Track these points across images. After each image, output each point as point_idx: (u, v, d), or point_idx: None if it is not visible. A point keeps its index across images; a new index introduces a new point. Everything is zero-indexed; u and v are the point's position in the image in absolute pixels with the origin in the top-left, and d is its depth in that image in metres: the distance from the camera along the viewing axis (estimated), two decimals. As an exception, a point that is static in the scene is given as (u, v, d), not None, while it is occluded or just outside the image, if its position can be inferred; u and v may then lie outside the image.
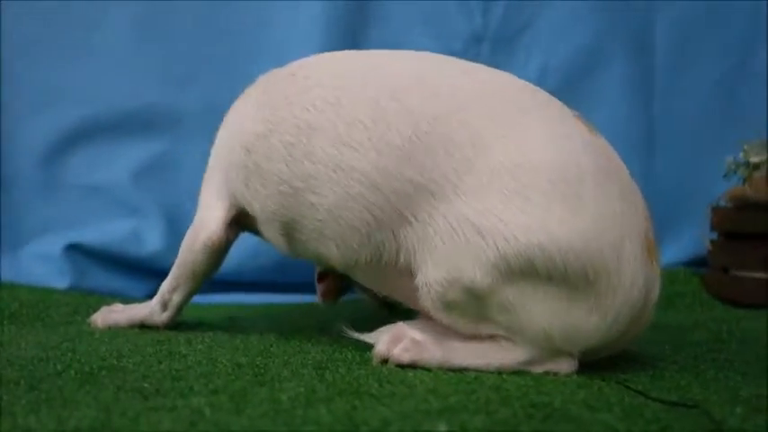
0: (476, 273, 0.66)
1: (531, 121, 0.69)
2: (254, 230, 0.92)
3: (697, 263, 1.60)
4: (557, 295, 0.66)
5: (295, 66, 0.86)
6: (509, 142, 0.67)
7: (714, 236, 1.49)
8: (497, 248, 0.65)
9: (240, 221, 0.91)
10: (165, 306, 0.94)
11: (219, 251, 0.92)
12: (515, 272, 0.65)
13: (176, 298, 0.93)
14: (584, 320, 0.66)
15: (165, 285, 0.94)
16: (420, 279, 0.71)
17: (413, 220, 0.71)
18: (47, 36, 1.37)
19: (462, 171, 0.68)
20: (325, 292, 1.04)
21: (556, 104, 0.74)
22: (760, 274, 1.35)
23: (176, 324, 0.99)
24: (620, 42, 1.63)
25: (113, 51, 1.39)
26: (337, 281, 1.03)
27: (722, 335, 1.02)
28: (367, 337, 0.80)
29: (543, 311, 0.66)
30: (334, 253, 0.79)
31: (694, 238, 1.60)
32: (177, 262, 0.93)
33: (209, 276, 0.95)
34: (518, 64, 1.57)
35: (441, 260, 0.69)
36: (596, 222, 0.65)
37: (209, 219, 0.91)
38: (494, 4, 1.57)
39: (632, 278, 0.66)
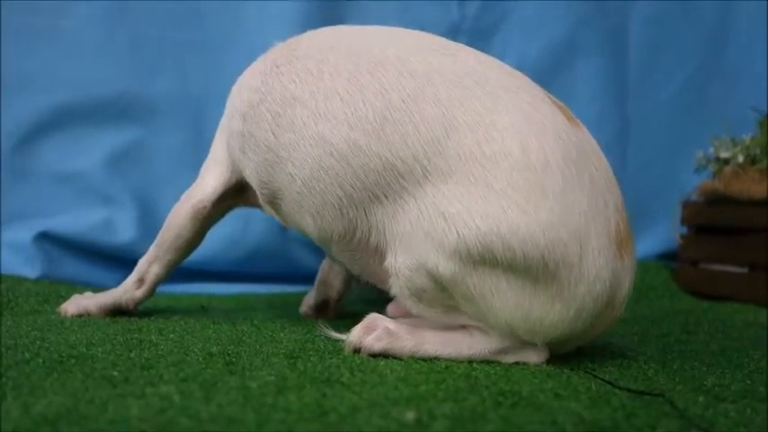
0: (439, 259, 0.67)
1: (505, 107, 0.69)
2: (256, 203, 0.93)
3: (668, 256, 1.63)
4: (519, 286, 0.66)
5: (294, 38, 0.87)
6: (479, 128, 0.67)
7: (685, 230, 1.51)
8: (458, 234, 0.65)
9: (242, 194, 0.93)
10: (141, 281, 0.95)
11: (205, 220, 0.93)
12: (476, 260, 0.65)
13: (154, 270, 0.95)
14: (547, 312, 0.67)
15: (143, 259, 0.95)
16: (389, 262, 0.72)
17: (383, 198, 0.71)
18: (18, 22, 1.34)
19: (431, 152, 0.68)
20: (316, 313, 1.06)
21: (535, 92, 0.72)
22: (728, 268, 1.38)
23: (148, 313, 0.99)
24: (595, 38, 1.64)
25: (85, 38, 1.36)
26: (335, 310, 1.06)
27: (689, 326, 1.04)
28: (341, 336, 0.80)
29: (506, 302, 0.67)
30: (311, 226, 0.80)
31: (666, 231, 1.62)
32: (161, 231, 0.95)
33: (190, 250, 0.96)
34: (494, 57, 1.57)
35: (408, 244, 0.69)
36: (559, 214, 0.64)
37: (203, 185, 0.93)
38: (470, -3, 1.58)
39: (596, 271, 0.66)
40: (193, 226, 0.93)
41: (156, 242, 0.95)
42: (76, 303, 0.95)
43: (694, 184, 1.50)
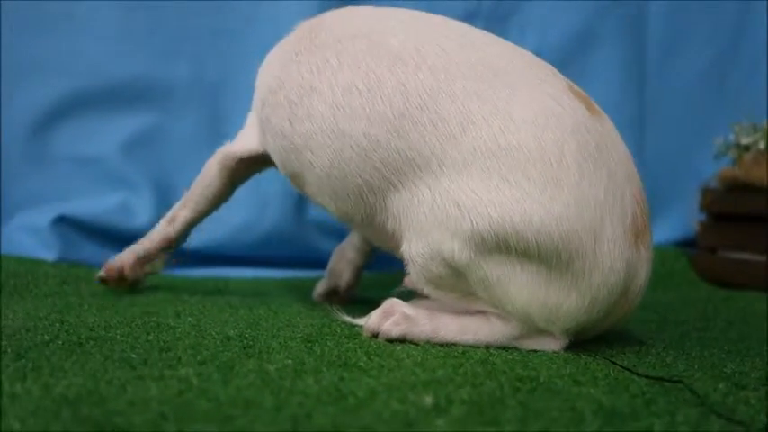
0: (454, 246, 0.67)
1: (523, 99, 0.68)
2: None
3: (686, 243, 1.61)
4: (534, 273, 0.66)
5: (317, 20, 0.86)
6: (495, 120, 0.67)
7: (703, 217, 1.50)
8: (472, 223, 0.66)
9: (271, 162, 0.94)
10: (173, 220, 1.00)
11: (233, 173, 0.97)
12: (491, 247, 0.66)
13: (184, 213, 1.00)
14: (563, 300, 0.67)
15: (175, 205, 1.01)
16: (405, 249, 0.72)
17: (400, 187, 0.72)
18: (34, 7, 1.34)
19: (448, 146, 0.68)
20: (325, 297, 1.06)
21: (556, 83, 0.71)
22: (747, 256, 1.37)
23: (165, 296, 1.00)
24: (614, 23, 1.62)
25: (102, 22, 1.36)
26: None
27: (708, 314, 1.03)
28: (358, 321, 0.81)
29: (521, 289, 0.67)
30: (332, 208, 0.82)
31: (684, 218, 1.61)
32: (193, 182, 1.00)
33: (218, 202, 1.00)
34: (512, 42, 1.56)
35: (423, 232, 0.70)
36: (572, 206, 0.64)
37: (236, 144, 0.97)
38: (488, -18, 1.56)
39: (611, 262, 0.66)
40: (222, 178, 0.97)
41: (188, 191, 1.00)
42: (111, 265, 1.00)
43: (713, 170, 1.49)
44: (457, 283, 0.70)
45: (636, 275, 0.69)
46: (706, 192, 1.48)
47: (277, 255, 1.42)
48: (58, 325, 0.74)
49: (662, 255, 1.51)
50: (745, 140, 1.34)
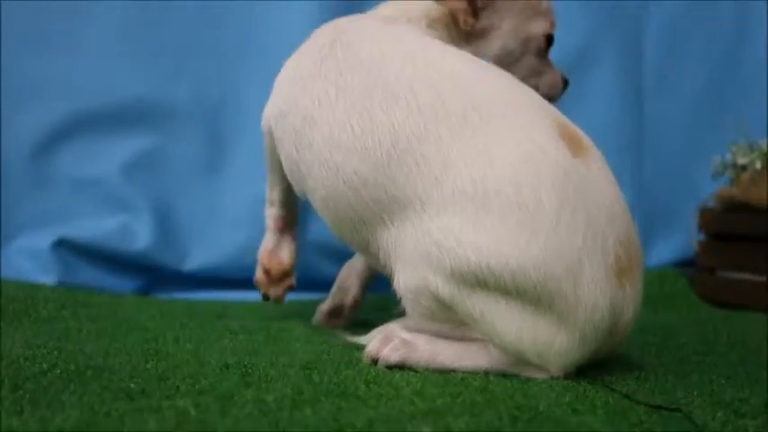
0: (438, 281, 0.69)
1: (504, 142, 0.69)
2: None
3: (685, 263, 1.61)
4: (520, 311, 0.67)
5: (330, 37, 0.85)
6: (475, 164, 0.69)
7: (702, 237, 1.50)
8: (452, 263, 0.67)
9: None
10: (272, 202, 1.01)
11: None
12: (473, 285, 0.67)
13: (275, 194, 1.00)
14: (554, 338, 0.67)
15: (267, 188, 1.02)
16: (396, 285, 0.74)
17: (389, 223, 0.74)
18: (35, 29, 1.36)
19: (430, 187, 0.70)
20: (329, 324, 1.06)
21: (542, 124, 0.72)
22: (746, 276, 1.36)
23: (165, 322, 1.00)
24: (611, 43, 1.64)
25: (102, 44, 1.38)
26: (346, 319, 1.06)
27: (708, 337, 1.03)
28: (359, 339, 0.83)
29: (509, 324, 0.68)
30: (333, 231, 0.84)
31: (683, 238, 1.61)
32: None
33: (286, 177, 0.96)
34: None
35: (409, 267, 0.71)
36: (551, 251, 0.65)
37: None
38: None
39: (593, 302, 0.67)
40: (273, 150, 0.94)
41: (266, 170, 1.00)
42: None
43: (711, 190, 1.49)
44: (449, 315, 0.71)
45: (622, 313, 0.70)
46: (704, 211, 1.48)
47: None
48: (56, 353, 0.73)
49: (661, 275, 1.51)
50: (742, 160, 1.34)
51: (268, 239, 1.01)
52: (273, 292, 1.02)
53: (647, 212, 1.64)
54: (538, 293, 0.66)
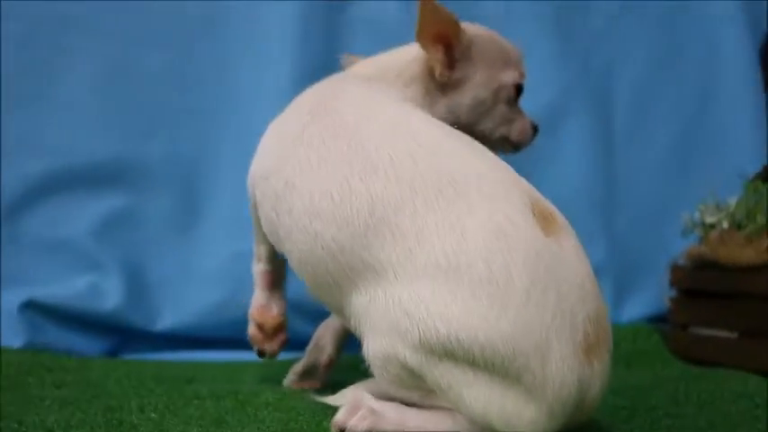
0: (405, 351, 0.69)
1: (478, 217, 0.70)
2: None
3: (658, 319, 1.62)
4: (488, 382, 0.67)
5: (314, 102, 0.87)
6: (448, 238, 0.69)
7: (673, 293, 1.51)
8: (421, 334, 0.67)
9: None
10: (259, 258, 1.01)
11: None
12: (441, 355, 0.67)
13: (261, 250, 1.00)
14: (522, 410, 0.67)
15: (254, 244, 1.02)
16: (365, 350, 0.74)
17: (362, 289, 0.74)
18: (7, 86, 1.36)
19: (403, 258, 0.71)
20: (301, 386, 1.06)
21: (515, 200, 0.72)
22: (717, 332, 1.37)
23: (132, 385, 0.99)
24: (581, 101, 1.67)
25: (76, 103, 1.38)
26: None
27: (679, 397, 1.03)
28: (329, 400, 0.84)
29: (477, 395, 0.68)
30: (308, 291, 0.84)
31: (655, 294, 1.62)
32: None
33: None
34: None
35: (378, 334, 0.71)
36: (520, 327, 0.66)
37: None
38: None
39: (561, 378, 0.67)
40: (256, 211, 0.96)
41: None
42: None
43: (682, 246, 1.51)
44: (417, 383, 0.71)
45: (590, 388, 0.70)
46: (675, 268, 1.49)
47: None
48: (15, 425, 0.72)
49: (634, 331, 1.52)
50: (709, 219, 1.36)
51: (258, 296, 1.02)
52: (269, 347, 1.02)
53: (620, 268, 1.65)
54: (506, 368, 0.66)
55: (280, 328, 1.02)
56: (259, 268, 1.01)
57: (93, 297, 1.33)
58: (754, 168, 1.49)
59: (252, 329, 1.02)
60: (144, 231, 1.40)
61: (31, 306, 1.29)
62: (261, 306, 1.01)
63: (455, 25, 0.92)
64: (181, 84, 1.44)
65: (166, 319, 1.37)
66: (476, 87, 0.95)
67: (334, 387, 0.93)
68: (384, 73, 0.94)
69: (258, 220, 0.95)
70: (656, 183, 1.73)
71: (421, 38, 0.91)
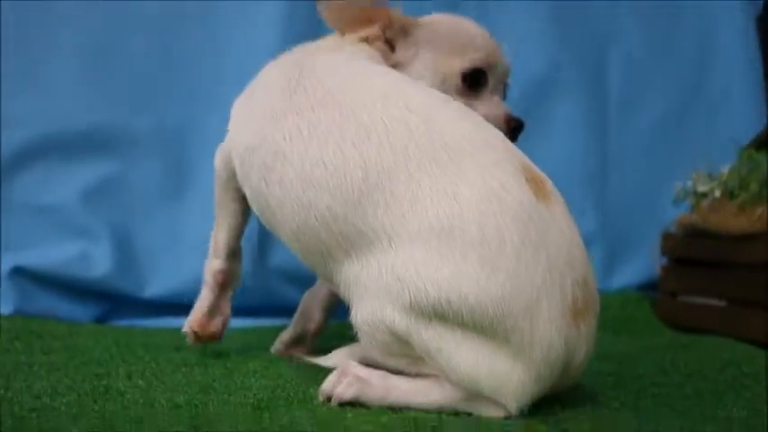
0: (394, 314, 0.69)
1: (471, 183, 0.70)
2: None
3: (649, 287, 1.63)
4: (477, 344, 0.68)
5: (299, 66, 0.85)
6: (441, 202, 0.69)
7: (665, 261, 1.52)
8: (411, 297, 0.68)
9: None
10: (216, 253, 0.97)
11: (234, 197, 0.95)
12: (430, 318, 0.68)
13: (220, 242, 0.97)
14: (510, 371, 0.68)
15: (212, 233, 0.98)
16: (353, 317, 0.74)
17: (354, 258, 0.74)
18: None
19: (396, 224, 0.71)
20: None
21: (507, 166, 0.72)
22: (706, 301, 1.38)
23: (120, 352, 0.98)
24: (575, 73, 1.66)
25: (65, 71, 1.37)
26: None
27: (666, 366, 1.03)
28: (317, 360, 0.87)
29: (466, 358, 0.68)
30: (301, 259, 0.83)
31: (647, 262, 1.62)
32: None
33: (238, 214, 0.96)
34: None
35: (367, 300, 0.72)
36: (510, 290, 0.66)
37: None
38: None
39: (549, 340, 0.68)
40: (225, 190, 0.95)
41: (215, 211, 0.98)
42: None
43: (674, 215, 1.51)
44: (405, 349, 0.71)
45: (576, 351, 0.71)
46: (667, 236, 1.49)
47: (239, 303, 1.39)
48: (2, 392, 0.72)
49: (624, 299, 1.53)
50: (701, 188, 1.36)
51: (204, 299, 0.98)
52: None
53: (612, 236, 1.65)
54: (495, 329, 0.66)
55: (218, 337, 0.98)
56: (213, 266, 0.97)
57: (82, 264, 1.32)
58: (748, 137, 1.48)
59: (190, 339, 0.97)
60: (133, 198, 1.39)
61: (20, 272, 1.28)
62: (203, 316, 0.97)
63: (377, 10, 0.90)
64: (169, 52, 1.43)
65: (155, 286, 1.36)
66: (419, 72, 0.92)
67: (321, 354, 0.94)
68: (349, 47, 0.91)
69: (226, 201, 0.94)
70: (650, 151, 1.73)
71: (343, 26, 0.91)
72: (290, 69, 0.87)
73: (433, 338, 0.68)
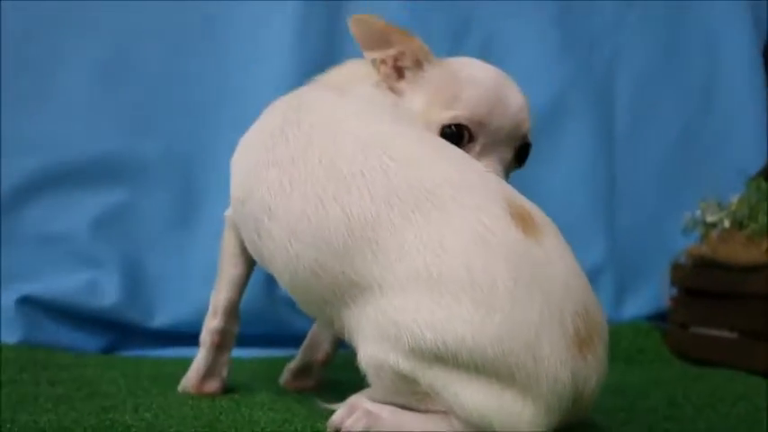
0: (397, 358, 0.69)
1: (456, 227, 0.70)
2: None
3: (659, 317, 1.62)
4: (482, 383, 0.67)
5: (281, 117, 0.85)
6: (428, 250, 0.69)
7: (675, 292, 1.50)
8: (409, 342, 0.67)
9: None
10: (215, 312, 0.96)
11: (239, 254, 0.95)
12: (431, 361, 0.67)
13: (220, 300, 0.96)
14: (519, 407, 0.67)
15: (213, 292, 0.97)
16: (359, 358, 0.73)
17: (351, 304, 0.74)
18: (4, 82, 1.36)
19: (386, 272, 0.71)
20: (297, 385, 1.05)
21: (492, 206, 0.72)
22: (718, 332, 1.37)
23: (129, 384, 0.98)
24: (582, 98, 1.66)
25: (73, 98, 1.38)
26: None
27: (678, 399, 1.02)
28: (332, 406, 0.82)
29: (473, 396, 0.67)
30: (300, 308, 0.83)
31: (657, 292, 1.61)
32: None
33: (239, 280, 0.95)
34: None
35: (369, 344, 0.71)
36: (507, 329, 0.66)
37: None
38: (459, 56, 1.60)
39: (555, 374, 0.66)
40: (236, 237, 0.94)
41: (218, 268, 0.97)
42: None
43: (684, 245, 1.50)
44: (412, 388, 0.70)
45: (586, 381, 0.70)
46: (676, 267, 1.49)
47: (247, 333, 1.39)
48: (8, 425, 0.71)
49: (634, 330, 1.51)
50: (710, 218, 1.36)
51: (200, 360, 0.95)
52: None
53: (621, 266, 1.65)
54: (497, 368, 0.66)
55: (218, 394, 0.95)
56: (212, 326, 0.95)
57: (90, 293, 1.32)
58: (756, 167, 1.48)
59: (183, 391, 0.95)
60: (141, 227, 1.39)
61: (27, 302, 1.28)
62: (202, 378, 0.95)
63: (400, 35, 0.90)
64: (179, 80, 1.44)
65: (164, 316, 1.36)
66: (411, 110, 0.89)
67: (329, 386, 0.93)
68: (356, 79, 0.92)
69: (228, 256, 0.95)
70: (658, 181, 1.73)
71: (364, 42, 0.90)
72: (278, 114, 0.87)
73: (438, 380, 0.68)
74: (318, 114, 0.84)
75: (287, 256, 0.78)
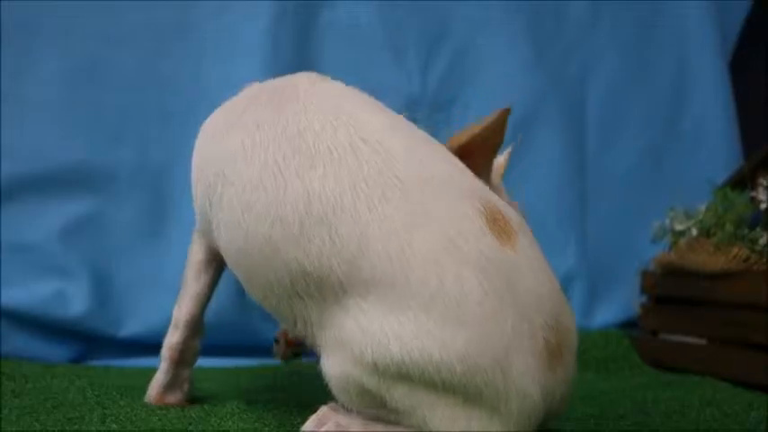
0: (361, 373, 0.65)
1: (426, 232, 0.65)
2: None
3: (629, 325, 1.63)
4: (449, 403, 0.64)
5: (257, 91, 0.82)
6: (394, 250, 0.65)
7: (644, 299, 1.52)
8: (373, 354, 0.64)
9: None
10: (176, 325, 0.92)
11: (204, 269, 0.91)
12: (396, 377, 0.64)
13: (182, 312, 0.91)
14: (488, 426, 0.64)
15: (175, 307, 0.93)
16: (323, 364, 0.70)
17: (307, 300, 0.70)
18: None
19: (345, 267, 0.66)
20: (277, 351, 1.03)
21: (466, 208, 0.68)
22: (687, 339, 1.38)
23: (96, 394, 0.96)
24: (553, 110, 1.68)
25: (42, 105, 1.36)
26: (289, 345, 1.02)
27: (647, 406, 1.03)
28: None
29: (441, 416, 0.65)
30: (256, 302, 0.78)
31: (627, 300, 1.63)
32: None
33: (202, 295, 0.92)
34: (455, 125, 1.59)
35: (334, 351, 0.68)
36: (476, 344, 0.63)
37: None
38: (431, 67, 1.61)
39: (524, 390, 0.64)
40: (202, 251, 0.91)
41: (181, 282, 0.93)
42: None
43: (653, 253, 1.52)
44: (380, 402, 0.67)
45: (554, 394, 0.68)
46: (646, 275, 1.50)
47: (218, 342, 1.38)
48: (-31, 440, 0.70)
49: (605, 337, 1.52)
50: (679, 226, 1.37)
51: (161, 375, 0.92)
52: None
53: (591, 274, 1.66)
54: (465, 387, 0.63)
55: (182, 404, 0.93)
56: (172, 341, 0.91)
57: (58, 303, 1.30)
58: (723, 176, 1.50)
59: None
60: (110, 237, 1.37)
61: (-6, 311, 1.26)
62: (161, 390, 0.92)
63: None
64: (150, 88, 1.42)
65: (132, 326, 1.35)
66: None
67: (302, 393, 0.92)
68: None
69: (193, 271, 0.91)
70: (628, 190, 1.75)
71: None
72: (254, 90, 0.83)
73: (405, 397, 0.65)
74: (295, 88, 0.78)
75: (237, 229, 0.72)
